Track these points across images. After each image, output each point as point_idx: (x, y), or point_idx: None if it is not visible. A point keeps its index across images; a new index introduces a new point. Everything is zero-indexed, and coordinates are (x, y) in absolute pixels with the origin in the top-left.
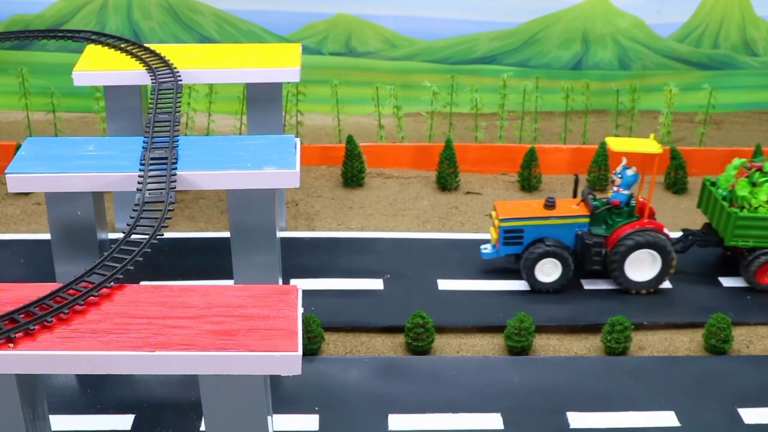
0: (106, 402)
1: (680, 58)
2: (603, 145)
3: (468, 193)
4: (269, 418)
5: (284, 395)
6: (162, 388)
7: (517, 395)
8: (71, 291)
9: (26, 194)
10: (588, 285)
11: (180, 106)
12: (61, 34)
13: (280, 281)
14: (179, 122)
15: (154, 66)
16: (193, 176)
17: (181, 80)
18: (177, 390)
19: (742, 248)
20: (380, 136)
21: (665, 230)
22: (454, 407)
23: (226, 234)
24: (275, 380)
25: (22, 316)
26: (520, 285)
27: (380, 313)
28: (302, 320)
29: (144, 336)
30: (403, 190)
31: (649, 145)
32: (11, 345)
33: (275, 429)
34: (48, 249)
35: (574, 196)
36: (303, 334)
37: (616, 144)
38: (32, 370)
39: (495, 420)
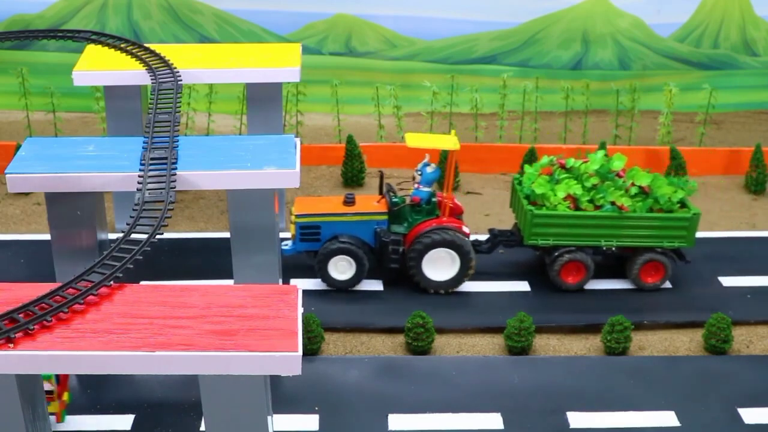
0: (106, 402)
1: (680, 58)
2: (603, 144)
3: (468, 193)
4: (269, 418)
5: (284, 395)
6: (162, 388)
7: (517, 395)
8: (71, 290)
9: (26, 194)
10: (588, 285)
11: (180, 107)
12: (61, 34)
13: (280, 281)
14: (179, 122)
15: (154, 66)
16: (193, 176)
17: (181, 80)
18: (177, 390)
19: (543, 247)
20: (380, 136)
21: (465, 229)
22: (454, 407)
23: (226, 234)
24: (275, 380)
25: (21, 315)
26: (520, 285)
27: (380, 313)
28: (302, 320)
29: (144, 336)
30: (403, 191)
31: (447, 142)
32: (11, 345)
33: (275, 429)
34: (48, 249)
35: (380, 192)
36: (303, 334)
37: (413, 140)
38: (32, 370)
39: (495, 420)
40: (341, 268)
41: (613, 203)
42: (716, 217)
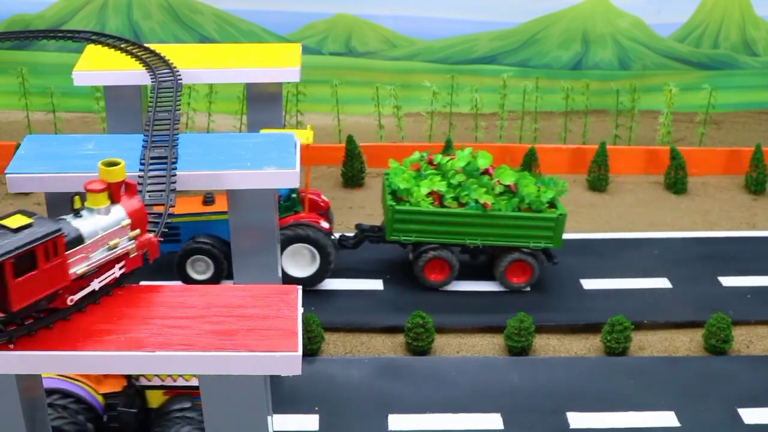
0: None
1: (680, 58)
2: (603, 145)
3: None
4: (269, 418)
5: (284, 395)
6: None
7: (517, 395)
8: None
9: (26, 194)
10: (588, 285)
11: (180, 105)
12: (61, 34)
13: (280, 281)
14: (179, 120)
15: (153, 65)
16: (193, 176)
17: (180, 79)
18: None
19: (407, 243)
20: (380, 136)
21: (323, 224)
22: (454, 407)
23: None
24: (275, 380)
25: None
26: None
27: (380, 313)
28: (302, 320)
29: (144, 336)
30: None
31: (301, 136)
32: (11, 345)
33: (275, 429)
34: None
35: None
36: (303, 334)
37: None
38: (32, 370)
39: (495, 420)
40: (199, 269)
41: (476, 201)
42: (716, 217)
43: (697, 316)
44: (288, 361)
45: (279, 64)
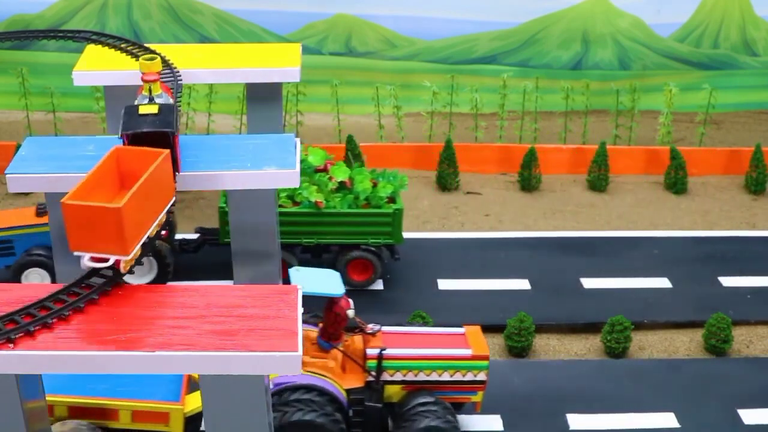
0: None
1: (680, 58)
2: (603, 145)
3: (468, 193)
4: (269, 418)
5: None
6: None
7: (517, 397)
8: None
9: (26, 194)
10: (588, 285)
11: (180, 105)
12: (61, 34)
13: (280, 281)
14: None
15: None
16: (193, 176)
17: (181, 79)
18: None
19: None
20: (380, 136)
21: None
22: (454, 408)
23: None
24: None
25: (22, 317)
26: (520, 284)
27: (380, 313)
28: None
29: (144, 336)
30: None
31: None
32: (11, 345)
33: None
34: None
35: None
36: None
37: None
38: (32, 370)
39: (495, 421)
40: (35, 281)
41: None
42: (716, 217)
43: (697, 316)
44: (288, 361)
45: (279, 64)
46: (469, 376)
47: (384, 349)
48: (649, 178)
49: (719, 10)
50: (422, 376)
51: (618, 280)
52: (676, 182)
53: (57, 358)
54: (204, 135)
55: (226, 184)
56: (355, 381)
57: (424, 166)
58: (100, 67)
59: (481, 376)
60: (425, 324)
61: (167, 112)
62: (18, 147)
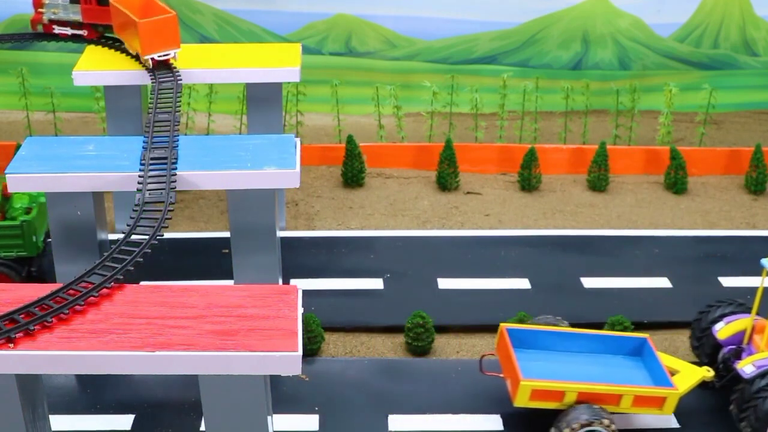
0: (106, 402)
1: (680, 58)
2: (603, 145)
3: (468, 193)
4: (269, 418)
5: (284, 395)
6: (162, 388)
7: None
8: (71, 291)
9: None
10: (588, 284)
11: (180, 106)
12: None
13: (280, 281)
14: (179, 122)
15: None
16: (193, 176)
17: (181, 80)
18: (177, 390)
19: None
20: (380, 136)
21: None
22: (454, 408)
23: (226, 234)
24: (275, 380)
25: (22, 316)
26: (520, 284)
27: (380, 313)
28: (302, 320)
29: (144, 336)
30: (403, 190)
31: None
32: (11, 345)
33: (275, 429)
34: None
35: None
36: (303, 334)
37: None
38: (32, 370)
39: (495, 421)
40: None
41: None
42: (716, 217)
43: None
44: (288, 361)
45: (279, 64)
46: None
47: None
48: (649, 178)
49: (719, 10)
50: None
51: (618, 279)
52: (676, 182)
53: (57, 358)
54: (204, 135)
55: (226, 184)
56: None
57: (424, 166)
58: (100, 67)
59: None
60: None
61: None
62: (18, 147)
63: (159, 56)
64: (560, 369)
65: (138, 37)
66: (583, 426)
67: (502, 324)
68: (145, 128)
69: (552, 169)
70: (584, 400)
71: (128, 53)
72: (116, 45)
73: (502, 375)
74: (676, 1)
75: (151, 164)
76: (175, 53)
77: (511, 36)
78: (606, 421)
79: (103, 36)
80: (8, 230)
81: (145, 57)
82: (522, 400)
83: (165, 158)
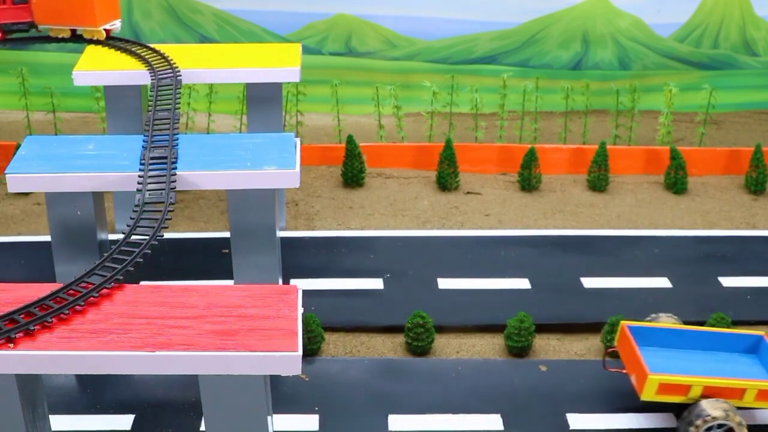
0: (106, 402)
1: (680, 58)
2: (603, 145)
3: (468, 193)
4: (269, 418)
5: (284, 395)
6: (162, 388)
7: (517, 396)
8: (71, 291)
9: (26, 194)
10: (588, 284)
11: (180, 104)
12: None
13: (280, 281)
14: (179, 120)
15: (153, 63)
16: (193, 176)
17: (180, 77)
18: (177, 390)
19: None
20: (380, 136)
21: None
22: (454, 408)
23: (226, 234)
24: (275, 380)
25: (22, 316)
26: (520, 284)
27: (380, 313)
28: (302, 320)
29: (144, 336)
30: (403, 190)
31: None
32: (11, 345)
33: (275, 429)
34: (48, 250)
35: None
36: (303, 334)
37: None
38: (32, 370)
39: (495, 421)
40: None
41: None
42: (716, 217)
43: (697, 316)
44: (288, 361)
45: (279, 64)
46: None
47: None
48: (649, 178)
49: (719, 10)
50: None
51: (618, 279)
52: (676, 182)
53: (57, 358)
54: (204, 134)
55: (226, 184)
56: None
57: (424, 166)
58: (100, 67)
59: None
60: None
61: None
62: (18, 147)
63: (109, 26)
64: (680, 365)
65: (89, 9)
66: (715, 419)
67: (622, 322)
68: (145, 126)
69: (552, 169)
70: (709, 394)
71: (90, 41)
72: (116, 45)
73: (624, 371)
74: (676, 1)
75: (151, 164)
76: (118, 23)
77: (511, 36)
78: (738, 418)
79: (7, 38)
80: None
81: (99, 28)
82: (649, 394)
83: (165, 158)
